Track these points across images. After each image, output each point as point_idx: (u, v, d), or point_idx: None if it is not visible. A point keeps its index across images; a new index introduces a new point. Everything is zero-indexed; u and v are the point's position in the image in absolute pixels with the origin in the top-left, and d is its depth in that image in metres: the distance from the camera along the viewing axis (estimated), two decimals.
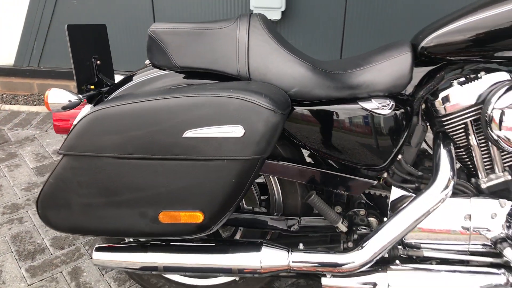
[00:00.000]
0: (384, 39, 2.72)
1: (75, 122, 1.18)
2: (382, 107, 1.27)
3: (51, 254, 1.80)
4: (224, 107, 1.06)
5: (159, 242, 1.31)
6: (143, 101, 1.09)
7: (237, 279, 1.37)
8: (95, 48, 1.34)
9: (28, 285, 1.65)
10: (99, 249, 1.33)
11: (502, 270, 1.27)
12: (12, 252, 1.81)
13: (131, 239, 1.38)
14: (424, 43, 1.27)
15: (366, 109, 1.26)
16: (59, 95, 1.26)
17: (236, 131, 1.06)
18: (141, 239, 1.35)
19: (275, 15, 2.74)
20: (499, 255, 1.30)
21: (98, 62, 1.37)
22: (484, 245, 1.32)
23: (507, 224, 1.30)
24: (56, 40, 3.10)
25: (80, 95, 1.27)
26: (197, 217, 1.13)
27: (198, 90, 1.10)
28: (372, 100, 1.27)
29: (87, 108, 1.38)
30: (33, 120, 2.81)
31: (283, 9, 2.73)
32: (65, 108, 1.27)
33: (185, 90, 1.11)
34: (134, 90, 1.28)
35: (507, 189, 1.34)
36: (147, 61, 1.41)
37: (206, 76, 1.27)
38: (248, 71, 1.23)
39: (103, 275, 1.70)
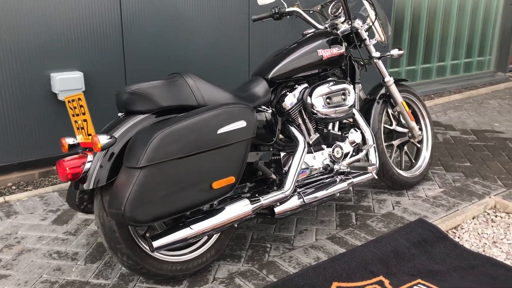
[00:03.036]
0: None
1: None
2: (267, 110, 2.35)
3: None
4: (233, 112, 1.92)
5: (191, 219, 1.96)
6: (189, 119, 1.83)
7: (235, 225, 2.13)
8: None
9: None
10: (154, 238, 1.86)
11: (336, 175, 2.52)
12: None
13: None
14: (270, 76, 2.42)
15: (261, 111, 2.31)
16: (105, 137, 1.82)
17: (242, 124, 1.94)
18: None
19: None
20: (331, 170, 2.54)
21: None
22: (322, 169, 2.54)
23: (328, 155, 2.56)
24: None
25: (115, 137, 1.86)
26: (232, 179, 1.92)
27: (212, 109, 1.91)
28: (261, 107, 2.33)
29: (91, 156, 1.91)
30: None
31: (83, 89, 3.34)
32: (109, 145, 1.83)
33: (203, 110, 1.90)
34: (143, 125, 1.93)
35: (319, 141, 2.61)
36: (120, 114, 2.05)
37: (177, 110, 2.04)
38: (205, 101, 2.09)
39: None
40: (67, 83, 3.24)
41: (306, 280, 2.16)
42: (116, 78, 3.55)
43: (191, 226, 1.93)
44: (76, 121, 1.96)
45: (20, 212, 2.84)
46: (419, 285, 2.18)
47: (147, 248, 2.02)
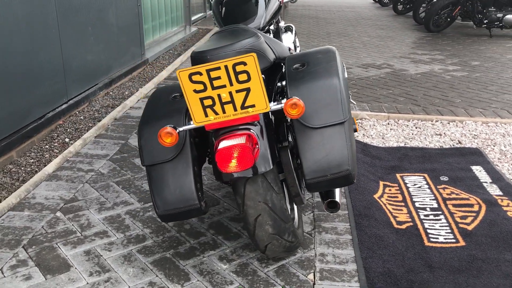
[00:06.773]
0: None
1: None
2: None
3: None
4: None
5: None
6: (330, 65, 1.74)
7: None
8: None
9: None
10: (332, 199, 1.72)
11: None
12: None
13: None
14: (261, 25, 2.36)
15: None
16: None
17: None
18: None
19: None
20: None
21: None
22: None
23: None
24: None
25: None
26: None
27: (324, 53, 1.84)
28: None
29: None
30: None
31: None
32: None
33: (326, 56, 1.81)
34: None
35: None
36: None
37: None
38: (278, 54, 1.96)
39: None
40: None
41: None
42: None
43: None
44: (205, 98, 1.49)
45: None
46: (404, 177, 2.76)
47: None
